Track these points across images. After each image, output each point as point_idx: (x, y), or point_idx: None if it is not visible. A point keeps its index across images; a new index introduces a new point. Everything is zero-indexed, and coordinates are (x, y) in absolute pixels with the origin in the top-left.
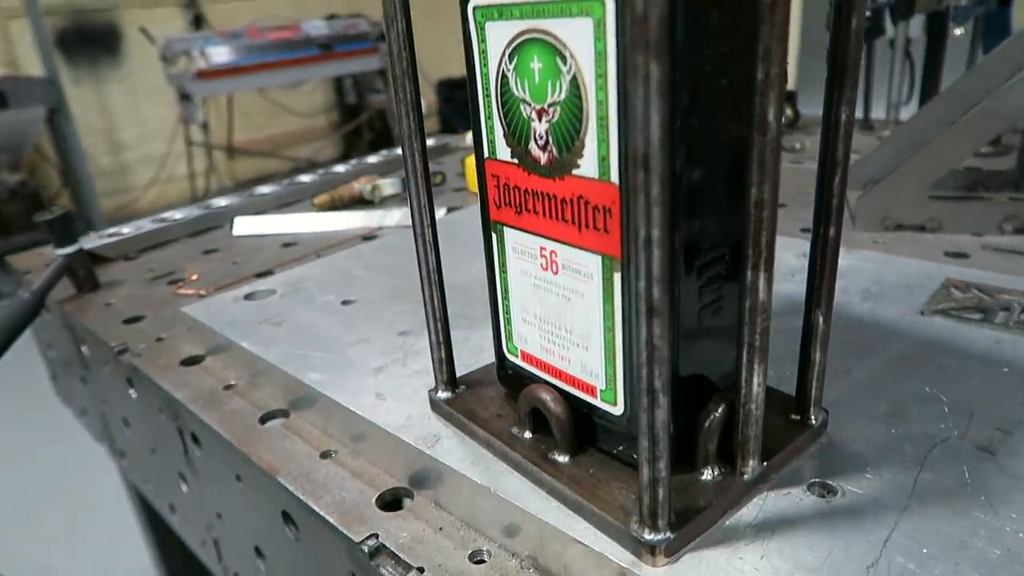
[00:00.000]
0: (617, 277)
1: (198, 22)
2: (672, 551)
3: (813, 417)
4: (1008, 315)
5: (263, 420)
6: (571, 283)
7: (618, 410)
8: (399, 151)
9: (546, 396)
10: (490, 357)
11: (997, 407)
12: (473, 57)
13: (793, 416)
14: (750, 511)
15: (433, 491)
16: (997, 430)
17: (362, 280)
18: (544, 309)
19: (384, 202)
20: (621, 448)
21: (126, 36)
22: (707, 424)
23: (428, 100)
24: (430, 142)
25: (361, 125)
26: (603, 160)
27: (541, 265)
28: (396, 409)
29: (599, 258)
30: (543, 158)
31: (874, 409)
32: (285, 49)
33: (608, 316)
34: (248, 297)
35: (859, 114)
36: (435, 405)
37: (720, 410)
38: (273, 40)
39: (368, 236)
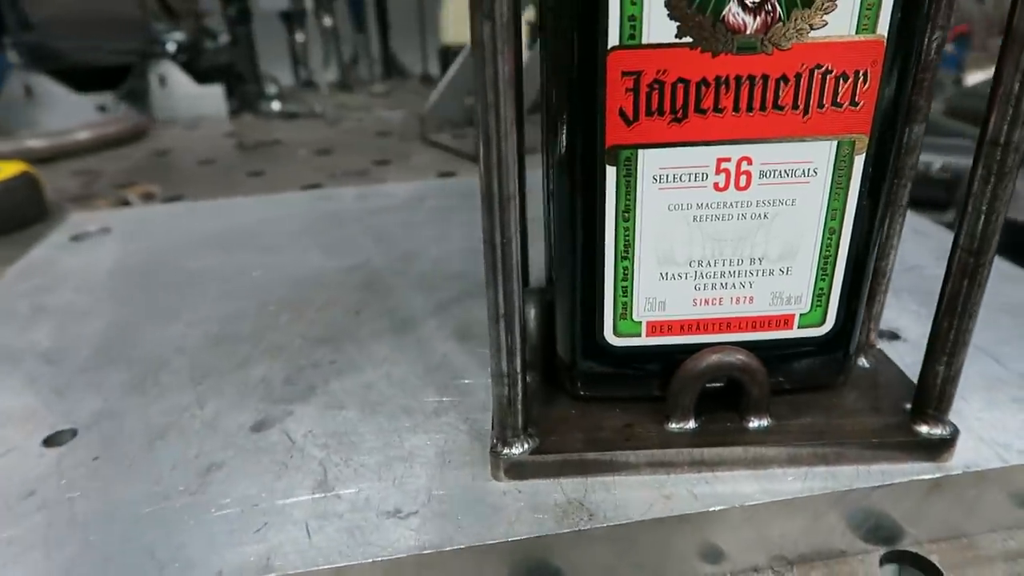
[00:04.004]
0: (859, 160)
1: None
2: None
3: None
4: None
5: None
6: (775, 193)
7: (824, 328)
8: None
9: (733, 358)
10: None
11: None
12: None
13: None
14: None
15: None
16: None
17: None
18: (712, 246)
19: None
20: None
21: None
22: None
23: None
24: None
25: None
26: (868, 9)
27: (716, 185)
28: (465, 512)
29: (831, 144)
30: (751, 24)
31: None
32: None
33: (836, 214)
34: None
35: None
36: (516, 468)
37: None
38: None
39: None
